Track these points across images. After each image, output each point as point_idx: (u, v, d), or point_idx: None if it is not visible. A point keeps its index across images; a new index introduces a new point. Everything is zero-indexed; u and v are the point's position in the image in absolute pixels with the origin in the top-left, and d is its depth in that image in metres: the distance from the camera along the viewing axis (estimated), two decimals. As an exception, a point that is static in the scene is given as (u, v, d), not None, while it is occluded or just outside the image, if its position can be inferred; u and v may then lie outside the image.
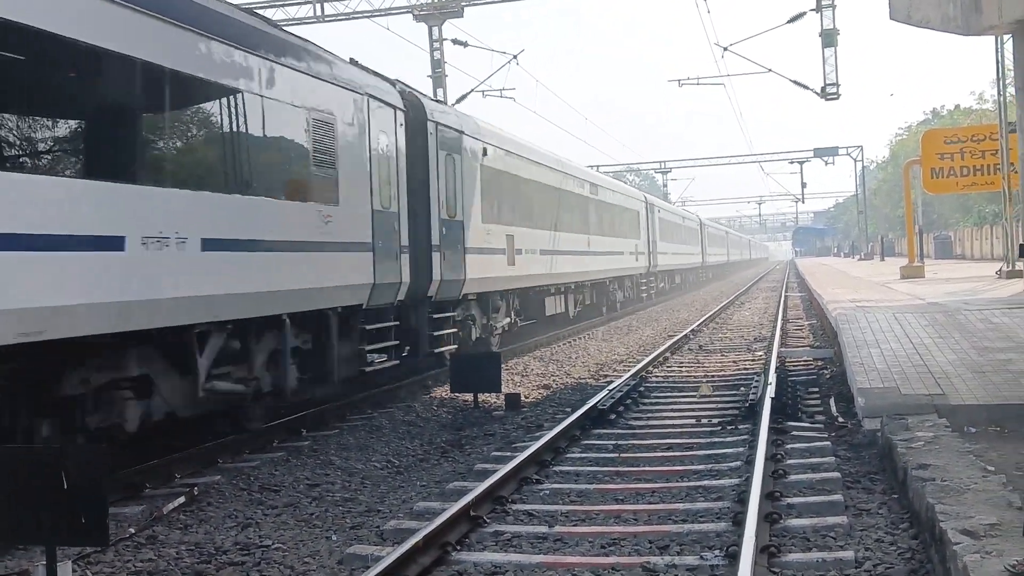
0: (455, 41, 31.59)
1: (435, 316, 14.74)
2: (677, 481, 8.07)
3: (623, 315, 30.21)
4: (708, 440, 9.71)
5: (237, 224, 9.21)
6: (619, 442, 9.82)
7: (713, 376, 14.76)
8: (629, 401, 12.04)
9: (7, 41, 6.76)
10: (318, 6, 30.58)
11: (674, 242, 44.32)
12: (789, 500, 7.02)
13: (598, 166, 64.56)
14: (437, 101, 18.17)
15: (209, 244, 8.71)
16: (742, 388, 12.84)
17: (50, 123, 7.44)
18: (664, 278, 42.18)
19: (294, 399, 11.03)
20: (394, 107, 13.17)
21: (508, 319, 18.84)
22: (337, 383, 11.65)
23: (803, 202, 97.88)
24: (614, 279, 30.09)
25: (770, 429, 9.16)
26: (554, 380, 15.32)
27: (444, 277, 14.54)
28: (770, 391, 11.08)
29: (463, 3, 30.96)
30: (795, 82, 31.96)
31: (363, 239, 11.90)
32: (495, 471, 7.97)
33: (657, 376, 15.11)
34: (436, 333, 14.79)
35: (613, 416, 11.04)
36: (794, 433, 9.51)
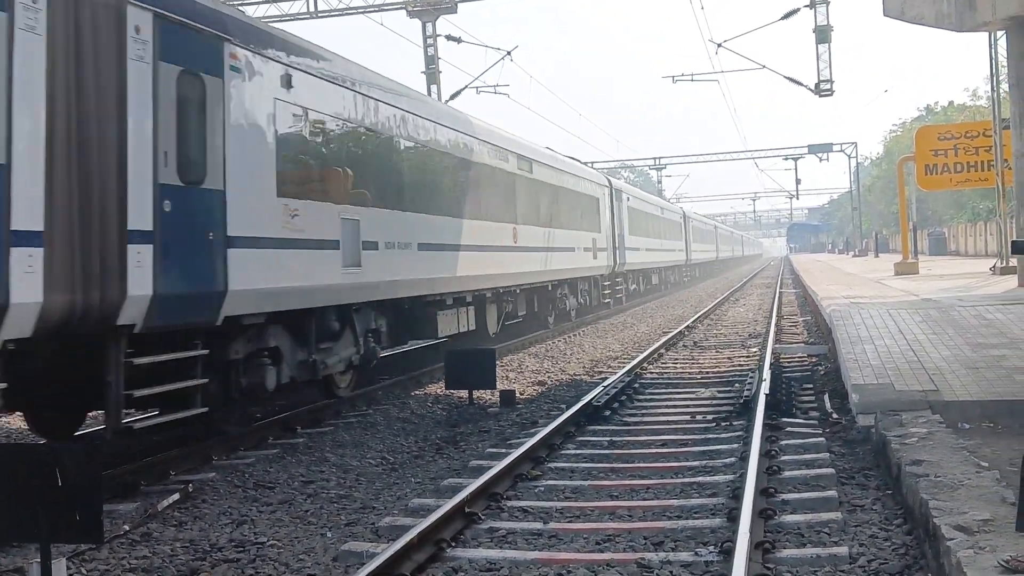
0: (449, 37, 31.54)
1: (140, 361, 8.30)
2: (672, 477, 8.08)
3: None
4: (703, 436, 9.72)
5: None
6: (614, 438, 9.83)
7: (708, 373, 14.78)
8: (624, 397, 12.06)
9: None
10: (311, 2, 30.50)
11: (649, 236, 38.61)
12: (783, 496, 7.04)
13: (593, 162, 64.50)
14: None
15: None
16: (736, 384, 12.86)
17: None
18: (635, 279, 36.47)
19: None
20: None
21: (356, 350, 12.38)
22: None
23: (797, 198, 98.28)
24: (563, 282, 23.96)
25: (764, 425, 9.18)
26: (549, 376, 15.33)
27: (164, 290, 8.36)
28: (764, 387, 11.10)
29: (456, -1, 30.91)
30: (789, 78, 32.00)
31: None
32: (490, 468, 7.98)
33: (652, 372, 15.13)
34: (142, 393, 8.31)
35: (608, 412, 11.05)
36: (788, 429, 9.53)
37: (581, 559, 5.96)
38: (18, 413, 10.07)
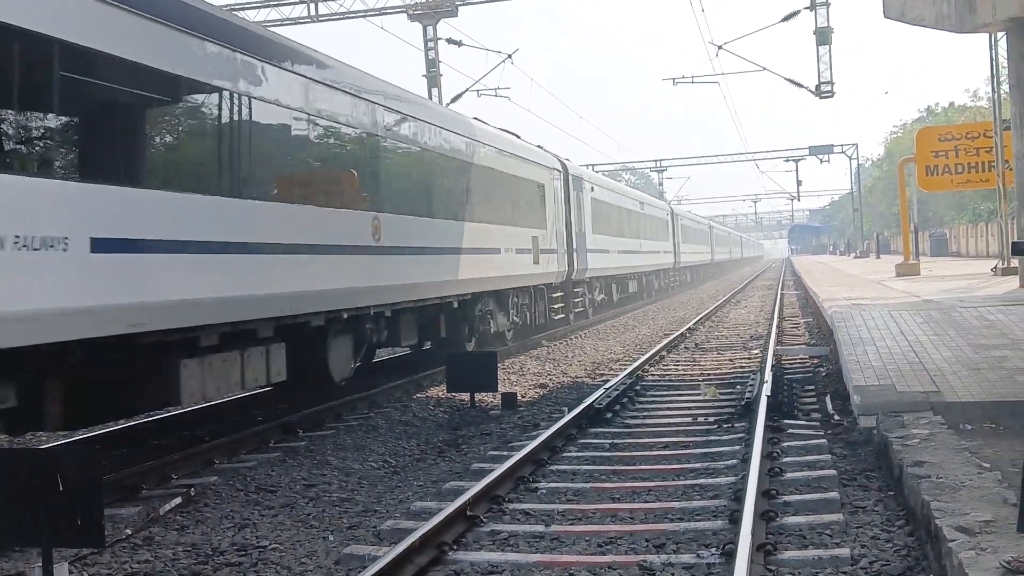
0: (450, 40, 31.59)
1: None
2: (673, 479, 8.07)
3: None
4: (704, 438, 9.72)
5: None
6: (616, 441, 9.83)
7: (709, 375, 14.78)
8: (626, 400, 12.05)
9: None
10: (312, 6, 30.53)
11: (624, 236, 32.44)
12: (785, 498, 7.03)
13: (593, 165, 64.51)
14: None
15: None
16: (738, 386, 12.86)
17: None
18: (604, 287, 30.31)
19: None
20: None
21: None
22: None
23: (799, 200, 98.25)
24: (483, 295, 17.47)
25: (766, 427, 9.17)
26: (551, 379, 15.33)
27: None
28: (766, 389, 11.10)
29: (457, 2, 30.91)
30: (790, 80, 32.00)
31: None
32: (492, 470, 7.97)
33: (654, 374, 15.12)
34: None
35: (610, 415, 11.05)
36: (790, 431, 9.52)
37: (583, 562, 5.95)
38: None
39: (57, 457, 5.44)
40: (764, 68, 33.79)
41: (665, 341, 19.53)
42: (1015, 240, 16.75)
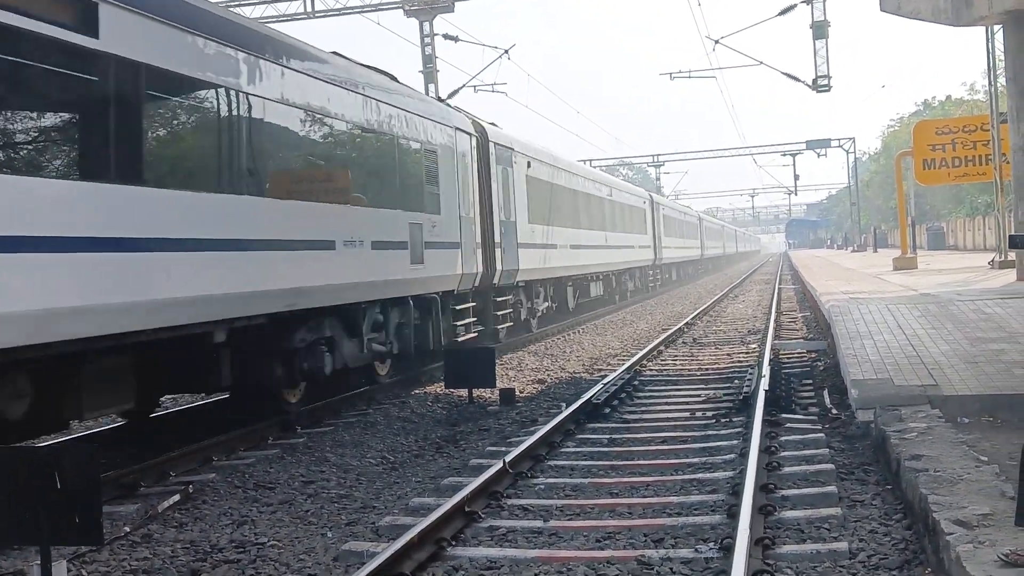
0: (446, 36, 31.53)
1: None
2: (672, 474, 8.08)
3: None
4: (702, 433, 9.73)
5: None
6: (614, 436, 9.84)
7: (707, 369, 14.79)
8: (623, 395, 12.06)
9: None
10: (308, 2, 30.52)
11: (579, 227, 26.22)
12: (783, 492, 7.04)
13: (591, 160, 64.49)
14: None
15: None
16: (736, 380, 12.87)
17: None
18: (545, 292, 23.68)
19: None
20: None
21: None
22: None
23: (796, 194, 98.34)
24: (299, 316, 11.02)
25: (764, 421, 9.18)
26: (549, 374, 15.34)
27: None
28: (764, 383, 11.10)
29: (454, -2, 30.90)
30: (787, 74, 32.01)
31: None
32: (490, 466, 7.98)
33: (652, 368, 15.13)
34: None
35: (608, 410, 11.06)
36: (788, 425, 9.53)
37: (581, 557, 5.96)
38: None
39: (56, 455, 5.43)
40: (761, 62, 33.80)
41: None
42: (1012, 233, 16.77)
